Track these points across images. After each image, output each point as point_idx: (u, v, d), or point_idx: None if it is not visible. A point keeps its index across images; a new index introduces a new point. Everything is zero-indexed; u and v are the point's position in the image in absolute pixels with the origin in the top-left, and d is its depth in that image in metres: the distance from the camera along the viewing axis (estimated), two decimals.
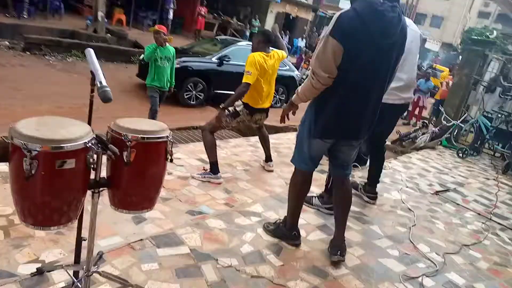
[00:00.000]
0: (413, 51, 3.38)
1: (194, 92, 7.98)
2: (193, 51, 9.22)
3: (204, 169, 3.80)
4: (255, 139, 5.37)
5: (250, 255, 2.53)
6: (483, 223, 3.95)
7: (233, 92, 3.61)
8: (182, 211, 3.01)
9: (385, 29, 2.18)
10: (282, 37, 17.40)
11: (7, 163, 1.46)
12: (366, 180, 3.90)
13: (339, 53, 2.15)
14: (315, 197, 3.48)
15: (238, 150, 4.81)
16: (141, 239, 2.46)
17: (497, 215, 4.30)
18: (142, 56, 6.46)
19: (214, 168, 3.70)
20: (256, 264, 2.44)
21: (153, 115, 4.95)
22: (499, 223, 4.05)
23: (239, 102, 3.78)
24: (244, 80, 3.54)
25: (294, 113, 2.62)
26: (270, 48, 3.85)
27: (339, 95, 2.28)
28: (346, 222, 2.73)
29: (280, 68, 4.27)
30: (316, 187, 3.66)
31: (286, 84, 9.62)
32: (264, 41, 3.76)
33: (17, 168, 1.39)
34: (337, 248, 2.61)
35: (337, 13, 2.20)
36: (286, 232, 2.75)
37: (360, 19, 2.13)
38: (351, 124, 2.41)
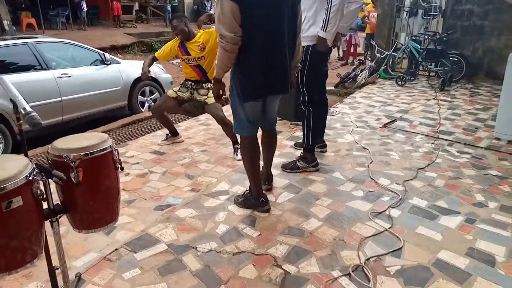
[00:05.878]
0: None
1: None
2: None
3: (166, 135, 4.43)
4: (204, 117, 5.33)
5: (227, 234, 2.57)
6: (432, 143, 4.21)
7: None
8: (149, 209, 2.97)
9: None
10: (205, 5, 16.68)
11: None
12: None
13: (236, 11, 2.27)
14: (298, 160, 3.51)
15: (190, 132, 4.75)
16: (116, 249, 2.42)
17: (443, 132, 4.59)
18: None
19: (174, 133, 4.38)
20: (234, 241, 2.49)
21: None
22: (446, 139, 4.33)
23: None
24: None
25: (223, 91, 2.66)
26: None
27: (254, 53, 2.42)
28: (272, 159, 3.08)
29: None
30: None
31: None
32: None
33: None
34: (265, 179, 3.08)
35: None
36: (253, 201, 2.84)
37: None
38: (277, 78, 2.55)
